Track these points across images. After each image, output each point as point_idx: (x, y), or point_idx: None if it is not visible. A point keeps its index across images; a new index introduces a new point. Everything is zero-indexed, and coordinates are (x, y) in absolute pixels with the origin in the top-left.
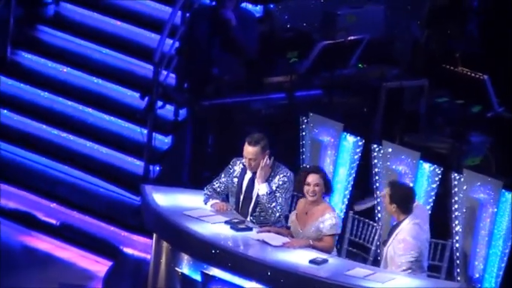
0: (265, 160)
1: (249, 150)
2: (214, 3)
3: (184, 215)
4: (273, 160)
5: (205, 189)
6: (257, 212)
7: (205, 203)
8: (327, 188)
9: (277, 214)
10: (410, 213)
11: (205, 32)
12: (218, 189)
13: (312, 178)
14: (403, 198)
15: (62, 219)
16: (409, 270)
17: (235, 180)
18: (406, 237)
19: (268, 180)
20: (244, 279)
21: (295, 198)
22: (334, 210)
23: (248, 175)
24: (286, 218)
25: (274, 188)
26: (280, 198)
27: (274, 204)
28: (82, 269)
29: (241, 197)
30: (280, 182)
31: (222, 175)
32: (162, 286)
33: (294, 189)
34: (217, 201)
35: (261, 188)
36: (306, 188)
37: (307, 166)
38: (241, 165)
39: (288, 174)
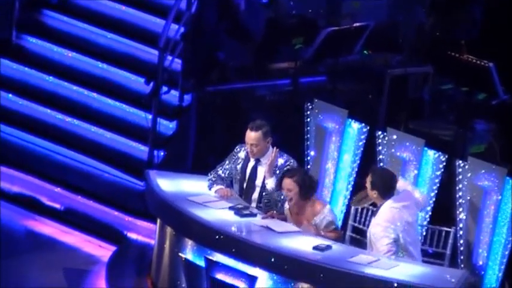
0: (274, 153)
1: (250, 135)
2: None
3: (189, 201)
4: (277, 149)
5: (209, 174)
6: (263, 203)
7: (210, 189)
8: (304, 191)
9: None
10: (389, 198)
11: (211, 17)
12: (222, 175)
13: (284, 183)
14: (383, 183)
15: (66, 204)
16: (389, 253)
17: (239, 167)
18: (380, 221)
19: (273, 168)
20: (247, 265)
21: None
22: (325, 205)
23: (252, 163)
24: None
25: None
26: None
27: (282, 196)
28: (86, 253)
29: (245, 184)
30: (286, 170)
31: (227, 161)
32: (165, 271)
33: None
34: (222, 187)
35: (269, 182)
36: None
37: (287, 169)
38: (245, 152)
39: (291, 162)
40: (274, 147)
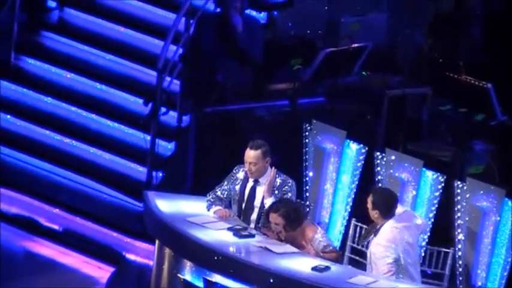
0: (272, 173)
1: (250, 154)
2: (219, 10)
3: (187, 222)
4: (275, 169)
5: (208, 195)
6: (261, 224)
7: (208, 210)
8: (290, 223)
9: None
10: (390, 218)
11: (210, 38)
12: (221, 196)
13: (270, 217)
14: (384, 203)
15: (65, 225)
16: (390, 273)
17: (238, 188)
18: (381, 241)
19: (272, 189)
20: (246, 286)
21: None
22: (316, 230)
23: (250, 183)
24: None
25: (278, 198)
26: None
27: None
28: (85, 275)
29: (243, 205)
30: (284, 193)
31: (225, 182)
32: None
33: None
34: (221, 208)
35: (267, 202)
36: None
37: (271, 204)
38: (243, 173)
39: (290, 184)
40: (273, 167)
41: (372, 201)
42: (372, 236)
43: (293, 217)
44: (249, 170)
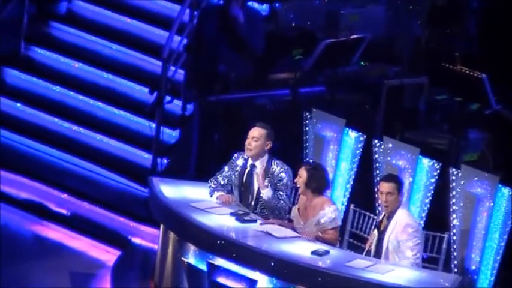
0: (264, 164)
1: (255, 129)
2: (222, 1)
3: (191, 207)
4: (270, 156)
5: (209, 182)
6: (258, 209)
7: (211, 195)
8: (310, 183)
9: (286, 208)
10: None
11: (212, 29)
12: (222, 182)
13: (300, 169)
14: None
15: (73, 210)
16: (418, 255)
17: (237, 174)
18: (406, 228)
19: (267, 176)
20: (248, 269)
21: (293, 191)
22: (333, 203)
23: (247, 169)
24: (289, 210)
25: (275, 184)
26: (283, 195)
27: (281, 202)
28: (92, 258)
29: (243, 189)
30: (280, 179)
31: (226, 168)
32: (168, 275)
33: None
34: (223, 193)
35: (264, 193)
36: None
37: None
38: (242, 160)
39: (286, 169)
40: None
41: (395, 187)
42: (387, 223)
43: (315, 179)
44: (248, 145)
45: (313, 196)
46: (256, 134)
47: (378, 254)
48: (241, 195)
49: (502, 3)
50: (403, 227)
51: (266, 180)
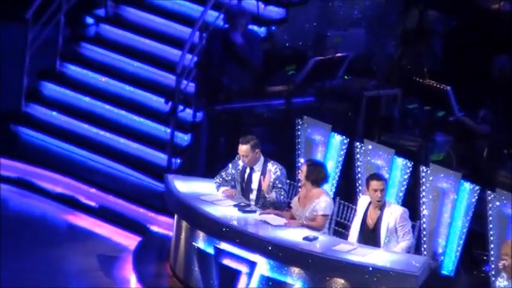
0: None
1: (241, 148)
2: (226, 26)
3: (200, 199)
4: (265, 158)
5: (215, 178)
6: (260, 204)
7: (217, 190)
8: (310, 177)
9: (286, 201)
10: None
11: (218, 49)
12: (226, 178)
13: (302, 166)
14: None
15: (100, 202)
16: (410, 235)
17: (239, 172)
18: (402, 210)
19: (263, 172)
20: (249, 252)
21: (290, 186)
22: (327, 195)
23: (247, 170)
24: (288, 203)
25: (273, 181)
26: (282, 191)
27: (281, 198)
28: (116, 243)
29: (244, 187)
30: (276, 177)
31: (230, 166)
32: (181, 258)
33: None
34: (227, 188)
35: (270, 197)
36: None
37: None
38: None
39: (281, 168)
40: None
41: (385, 183)
42: (380, 213)
43: (314, 173)
44: (243, 161)
45: (312, 187)
46: (243, 152)
47: (374, 240)
48: (243, 190)
49: (462, 27)
50: (400, 214)
51: (270, 184)
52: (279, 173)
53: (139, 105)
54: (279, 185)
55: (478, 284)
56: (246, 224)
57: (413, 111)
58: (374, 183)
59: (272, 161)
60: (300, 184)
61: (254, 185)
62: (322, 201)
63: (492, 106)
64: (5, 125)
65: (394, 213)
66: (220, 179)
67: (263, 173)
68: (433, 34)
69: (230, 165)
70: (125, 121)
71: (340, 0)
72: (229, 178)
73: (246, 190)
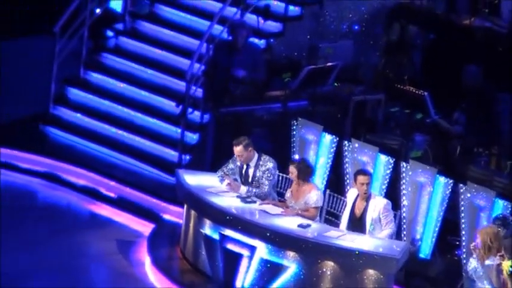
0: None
1: (235, 149)
2: (230, 38)
3: (207, 191)
4: (258, 153)
5: (217, 172)
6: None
7: (221, 183)
8: (301, 173)
9: (265, 191)
10: None
11: (223, 59)
12: (227, 173)
13: (291, 167)
14: None
15: (119, 193)
16: (393, 223)
17: (237, 167)
18: (385, 202)
19: (257, 165)
20: (250, 238)
21: (285, 179)
22: (318, 189)
23: (244, 167)
24: (281, 195)
25: (261, 173)
26: (265, 186)
27: (264, 189)
28: (132, 229)
29: (242, 180)
30: (267, 168)
31: (230, 161)
32: (190, 243)
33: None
34: (230, 181)
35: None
36: None
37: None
38: None
39: (273, 161)
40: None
41: (371, 177)
42: (366, 204)
43: (303, 171)
44: (239, 160)
45: (303, 183)
46: (238, 153)
47: (361, 227)
48: (242, 184)
49: (438, 40)
50: (384, 205)
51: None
52: (270, 164)
53: (153, 108)
54: (266, 176)
55: (451, 266)
56: (247, 213)
57: (395, 114)
58: (361, 178)
59: (264, 156)
60: (293, 180)
61: (251, 179)
62: (313, 195)
63: (464, 110)
64: (35, 126)
65: (378, 205)
66: (222, 174)
67: (257, 166)
68: (412, 46)
69: (230, 161)
70: (141, 122)
71: (331, 16)
72: (230, 173)
73: (244, 184)
